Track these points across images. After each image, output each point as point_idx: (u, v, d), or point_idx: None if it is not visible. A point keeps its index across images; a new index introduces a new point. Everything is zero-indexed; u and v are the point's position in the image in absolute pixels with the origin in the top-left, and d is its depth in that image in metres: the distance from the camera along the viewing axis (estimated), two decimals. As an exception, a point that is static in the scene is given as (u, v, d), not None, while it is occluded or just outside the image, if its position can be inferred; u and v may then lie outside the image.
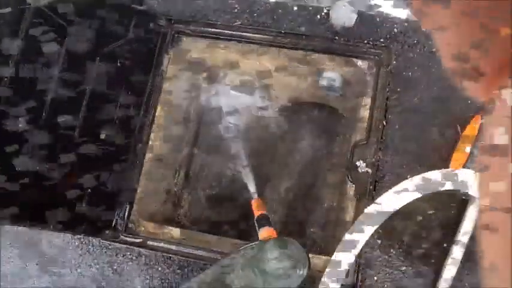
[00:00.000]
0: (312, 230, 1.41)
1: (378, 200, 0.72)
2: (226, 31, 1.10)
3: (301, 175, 1.48)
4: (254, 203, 1.12)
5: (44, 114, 0.78)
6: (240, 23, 1.09)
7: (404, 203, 0.56)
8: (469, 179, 0.62)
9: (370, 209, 0.61)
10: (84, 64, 0.86)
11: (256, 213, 1.08)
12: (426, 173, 0.75)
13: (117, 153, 0.98)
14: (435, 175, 0.72)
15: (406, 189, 0.61)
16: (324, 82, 1.22)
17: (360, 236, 0.76)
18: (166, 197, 1.22)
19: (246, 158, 1.36)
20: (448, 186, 0.55)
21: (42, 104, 0.78)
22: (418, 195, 0.56)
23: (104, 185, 0.93)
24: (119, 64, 0.96)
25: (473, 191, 0.58)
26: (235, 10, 1.10)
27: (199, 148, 1.43)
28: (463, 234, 0.95)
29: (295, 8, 1.09)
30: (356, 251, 0.81)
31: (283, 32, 1.07)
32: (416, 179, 0.73)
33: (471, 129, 0.91)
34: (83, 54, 0.85)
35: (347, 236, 0.76)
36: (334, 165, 1.45)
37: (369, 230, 0.61)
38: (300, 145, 1.49)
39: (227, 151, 1.44)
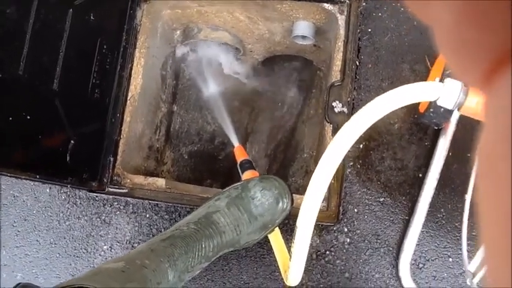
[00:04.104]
0: (293, 179, 1.45)
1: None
2: (197, -18, 1.11)
3: (281, 127, 1.51)
4: (236, 150, 1.15)
5: (21, 66, 0.78)
6: (210, -28, 1.10)
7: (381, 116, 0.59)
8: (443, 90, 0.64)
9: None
10: (58, 16, 0.86)
11: (239, 159, 1.11)
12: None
13: (97, 106, 0.99)
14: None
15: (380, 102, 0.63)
16: (297, 31, 1.24)
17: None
18: (148, 152, 1.24)
19: (225, 111, 1.38)
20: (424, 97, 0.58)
21: (19, 56, 0.79)
22: (393, 107, 0.59)
23: (86, 136, 0.95)
24: (92, 18, 0.96)
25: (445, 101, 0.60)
26: (205, -41, 1.10)
27: (179, 105, 1.45)
28: (436, 164, 1.00)
29: (264, -46, 1.10)
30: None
31: (253, -21, 1.09)
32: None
33: (439, 62, 0.95)
34: (56, 5, 0.85)
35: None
36: (313, 115, 1.48)
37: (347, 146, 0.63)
38: (278, 98, 1.51)
39: (206, 107, 1.46)
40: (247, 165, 1.08)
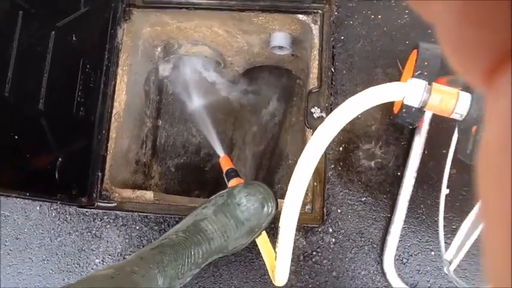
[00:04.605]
0: (279, 185, 1.48)
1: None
2: (175, 0, 1.15)
3: (265, 136, 1.55)
4: (221, 160, 1.18)
5: (7, 87, 0.81)
6: (187, -11, 1.14)
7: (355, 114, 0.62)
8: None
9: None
10: (41, 38, 0.89)
11: (224, 168, 1.14)
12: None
13: (83, 124, 1.02)
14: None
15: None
16: (274, 42, 1.28)
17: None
18: (136, 167, 1.27)
19: (209, 123, 1.42)
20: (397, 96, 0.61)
21: (4, 78, 0.82)
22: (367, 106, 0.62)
23: (74, 153, 0.97)
24: (74, 39, 0.99)
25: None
26: (181, -22, 1.15)
27: (163, 119, 1.48)
28: (413, 162, 1.04)
29: (238, -30, 1.14)
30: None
31: (229, -6, 1.13)
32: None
33: (410, 63, 0.99)
34: (39, 29, 0.88)
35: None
36: (295, 123, 1.52)
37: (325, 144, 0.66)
38: (261, 107, 1.55)
39: (191, 120, 1.50)
40: (233, 173, 1.11)
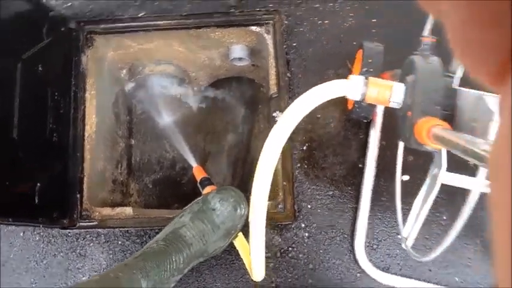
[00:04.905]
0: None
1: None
2: (133, 23, 1.21)
3: (236, 145, 1.61)
4: (195, 171, 1.24)
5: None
6: (144, 13, 1.20)
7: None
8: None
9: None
10: (8, 71, 0.94)
11: (198, 178, 1.20)
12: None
13: (57, 149, 1.07)
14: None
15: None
16: (233, 55, 1.35)
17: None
18: (113, 186, 1.32)
19: (181, 138, 1.48)
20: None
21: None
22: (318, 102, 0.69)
23: (51, 178, 1.02)
24: (40, 68, 1.04)
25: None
26: (137, 2, 1.21)
27: (136, 138, 1.53)
28: (372, 153, 1.12)
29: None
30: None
31: (184, 14, 1.20)
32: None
33: (357, 62, 1.07)
34: (6, 62, 0.93)
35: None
36: (262, 129, 1.59)
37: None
38: (229, 117, 1.62)
39: (163, 136, 1.55)
40: (206, 182, 1.17)
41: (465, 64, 0.17)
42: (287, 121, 0.70)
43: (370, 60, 0.98)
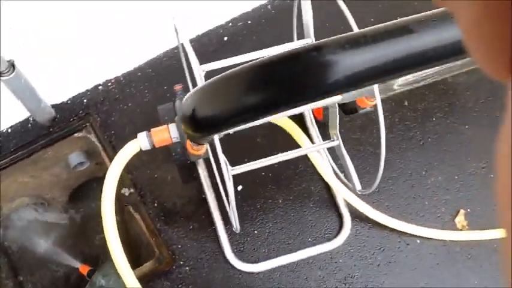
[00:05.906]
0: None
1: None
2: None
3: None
4: (81, 270, 1.41)
5: None
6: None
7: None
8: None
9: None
10: None
11: (85, 272, 1.37)
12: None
13: None
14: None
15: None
16: (73, 162, 1.57)
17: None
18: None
19: (64, 253, 1.63)
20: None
21: None
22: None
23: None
24: None
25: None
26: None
27: (22, 274, 1.64)
28: (207, 184, 1.39)
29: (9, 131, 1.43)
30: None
31: (12, 149, 1.40)
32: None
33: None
34: None
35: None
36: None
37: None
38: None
39: (47, 260, 1.68)
40: (91, 272, 1.35)
41: (477, 58, 0.17)
42: (108, 183, 0.95)
43: (166, 118, 1.27)
